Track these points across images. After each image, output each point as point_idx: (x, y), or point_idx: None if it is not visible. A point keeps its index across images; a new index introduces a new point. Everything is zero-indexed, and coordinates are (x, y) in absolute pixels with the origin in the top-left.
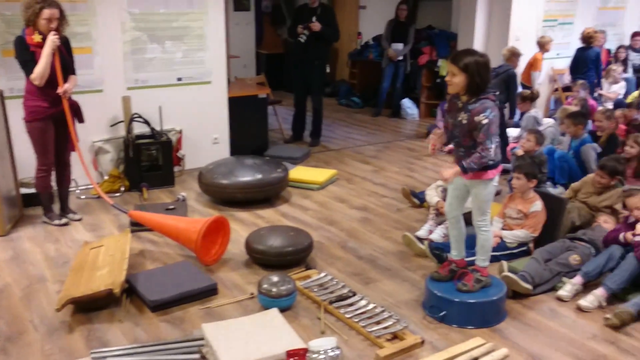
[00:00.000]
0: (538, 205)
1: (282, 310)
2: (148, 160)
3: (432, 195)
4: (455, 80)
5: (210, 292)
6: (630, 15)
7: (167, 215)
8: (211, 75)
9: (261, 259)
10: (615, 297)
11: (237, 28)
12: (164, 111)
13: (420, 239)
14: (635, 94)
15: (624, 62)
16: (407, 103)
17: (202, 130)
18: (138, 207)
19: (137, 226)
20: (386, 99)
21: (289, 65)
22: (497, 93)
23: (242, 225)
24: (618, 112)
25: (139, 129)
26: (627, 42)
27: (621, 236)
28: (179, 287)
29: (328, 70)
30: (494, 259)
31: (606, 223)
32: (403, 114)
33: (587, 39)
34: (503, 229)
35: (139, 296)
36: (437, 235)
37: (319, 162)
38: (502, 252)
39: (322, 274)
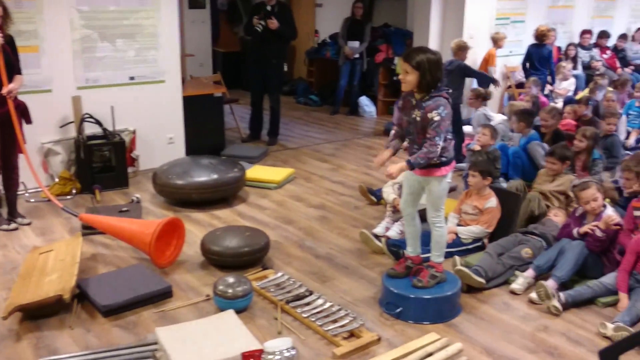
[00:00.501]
0: (493, 201)
1: (239, 311)
2: (100, 162)
3: (389, 193)
4: (408, 78)
5: (164, 295)
6: (579, 13)
7: (120, 218)
8: (165, 74)
9: (217, 260)
10: (565, 287)
11: (192, 26)
12: (116, 111)
13: (378, 236)
14: (586, 90)
15: (574, 59)
16: (364, 101)
17: (157, 130)
18: (90, 209)
19: (88, 229)
20: (344, 97)
21: (247, 64)
22: (450, 91)
23: (198, 226)
24: (568, 108)
25: (90, 129)
26: (576, 39)
27: (574, 231)
28: (132, 291)
29: (286, 68)
30: (448, 255)
31: (556, 217)
32: (361, 111)
33: (541, 36)
34: (459, 224)
35: (91, 301)
36: (393, 232)
37: (276, 161)
38: (457, 248)
39: (279, 274)
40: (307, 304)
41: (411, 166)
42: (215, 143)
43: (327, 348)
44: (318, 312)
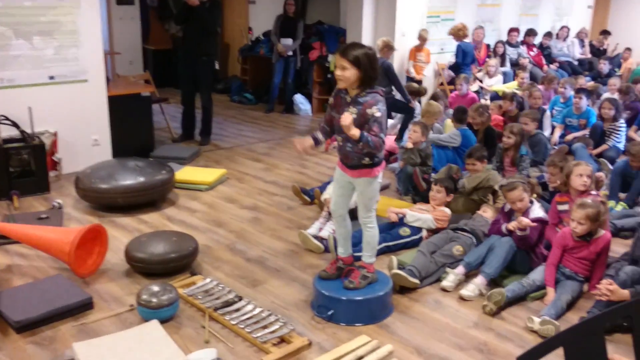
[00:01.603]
0: (447, 210)
1: (164, 321)
2: (19, 166)
3: (329, 192)
4: (347, 74)
5: (84, 306)
6: (506, 11)
7: (37, 226)
8: (87, 73)
9: (142, 267)
10: (495, 283)
11: (120, 23)
12: (35, 112)
13: (317, 237)
14: (511, 85)
15: (502, 56)
16: (299, 99)
17: (80, 132)
18: (7, 217)
19: (3, 239)
20: (278, 95)
21: (178, 62)
22: (385, 89)
23: (124, 232)
24: (493, 105)
25: (6, 132)
26: (504, 37)
27: (503, 227)
28: (48, 304)
29: (217, 66)
30: (386, 250)
31: (485, 212)
32: (296, 109)
33: (454, 34)
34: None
35: (2, 317)
36: (326, 232)
37: (209, 162)
38: (395, 241)
39: (208, 280)
40: (237, 310)
41: (360, 138)
42: (143, 144)
43: (257, 355)
44: (247, 319)
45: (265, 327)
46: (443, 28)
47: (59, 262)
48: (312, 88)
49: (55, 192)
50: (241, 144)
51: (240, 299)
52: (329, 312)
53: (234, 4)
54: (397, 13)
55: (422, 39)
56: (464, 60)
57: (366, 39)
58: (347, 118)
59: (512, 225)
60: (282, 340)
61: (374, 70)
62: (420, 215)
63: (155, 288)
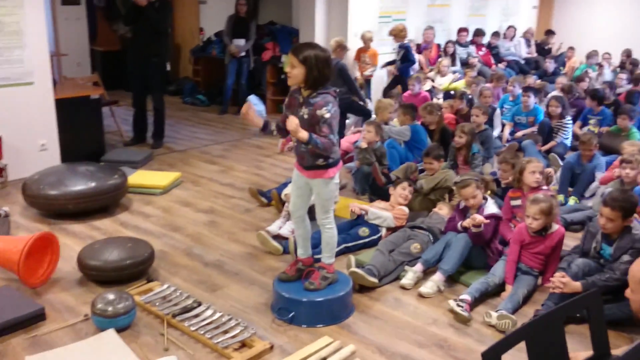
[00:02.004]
0: (406, 208)
1: (121, 330)
2: None
3: (288, 191)
4: (295, 72)
5: (36, 318)
6: (455, 12)
7: None
8: (33, 75)
9: (96, 275)
10: (452, 279)
11: (66, 23)
12: None
13: (276, 237)
14: (459, 85)
15: (452, 56)
16: (253, 100)
17: (26, 137)
18: None
19: None
20: (232, 96)
21: (127, 63)
22: (338, 90)
23: (75, 240)
24: (445, 103)
25: None
26: (454, 37)
27: (459, 225)
28: None
29: (169, 67)
30: (346, 250)
31: (441, 210)
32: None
33: (394, 35)
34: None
35: None
36: (286, 230)
37: (162, 165)
38: (355, 242)
39: (165, 286)
40: (196, 316)
41: (309, 140)
42: (94, 148)
43: None
44: (207, 324)
45: (225, 332)
46: None
47: (7, 273)
48: (265, 89)
49: (1, 199)
50: (195, 146)
51: (199, 304)
52: (290, 315)
53: (184, 4)
54: (349, 13)
55: (365, 40)
56: (405, 61)
57: (319, 39)
58: (292, 123)
59: (466, 222)
60: (244, 344)
61: (322, 71)
62: (381, 213)
63: (111, 296)
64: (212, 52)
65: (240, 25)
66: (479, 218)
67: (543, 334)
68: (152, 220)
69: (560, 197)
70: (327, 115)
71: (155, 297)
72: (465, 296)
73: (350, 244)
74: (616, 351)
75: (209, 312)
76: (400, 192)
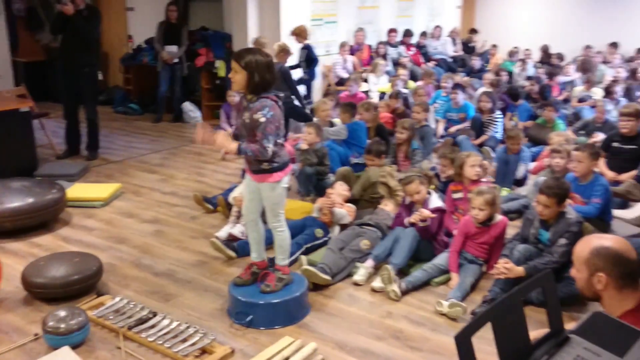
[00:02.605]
0: (352, 205)
1: (75, 346)
2: None
3: (237, 192)
4: (237, 77)
5: None
6: (384, 13)
7: None
8: None
9: (43, 293)
10: (403, 273)
11: None
12: None
13: (229, 244)
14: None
15: (384, 56)
16: (188, 106)
17: None
18: None
19: None
20: (166, 104)
21: (56, 74)
22: (281, 94)
23: (16, 258)
24: (382, 103)
25: None
26: (384, 38)
27: (405, 221)
28: None
29: (101, 77)
30: (306, 251)
31: (386, 206)
32: (186, 118)
33: (296, 36)
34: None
35: None
36: (237, 231)
37: (100, 177)
38: (312, 242)
39: (117, 299)
40: (152, 326)
41: (239, 150)
42: (26, 163)
43: None
44: (165, 334)
45: (184, 340)
46: (327, 31)
47: None
48: (201, 95)
49: None
50: (132, 156)
51: (155, 314)
52: (248, 318)
53: (110, 12)
54: (281, 17)
55: (258, 45)
56: (309, 64)
57: (252, 44)
58: (218, 137)
59: (413, 218)
60: (204, 351)
61: (263, 76)
62: (342, 211)
63: (62, 313)
64: (143, 60)
65: (172, 32)
66: (425, 212)
67: (506, 314)
68: (96, 233)
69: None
70: (262, 120)
71: (107, 311)
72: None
73: (309, 245)
74: (567, 326)
75: (165, 322)
76: (341, 192)
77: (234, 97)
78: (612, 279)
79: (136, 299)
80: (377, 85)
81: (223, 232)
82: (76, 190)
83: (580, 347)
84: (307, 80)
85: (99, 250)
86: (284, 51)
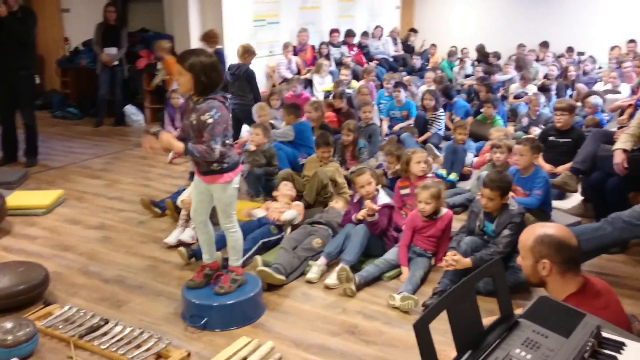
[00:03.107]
0: (301, 203)
1: (24, 358)
2: None
3: (185, 195)
4: (183, 80)
5: None
6: (325, 13)
7: None
8: None
9: None
10: (355, 269)
11: None
12: None
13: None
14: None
15: (327, 56)
16: (130, 110)
17: None
18: None
19: None
20: (107, 107)
21: None
22: (229, 96)
23: None
24: (326, 102)
25: None
26: (326, 38)
27: (353, 217)
28: None
29: (38, 80)
30: (262, 246)
31: (337, 204)
32: (128, 121)
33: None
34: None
35: None
36: (186, 236)
37: (40, 184)
38: (268, 238)
39: (66, 307)
40: (105, 333)
41: (185, 151)
42: None
43: None
44: (118, 341)
45: (139, 346)
46: (270, 31)
47: None
48: (143, 98)
49: None
50: (73, 161)
51: (107, 321)
52: (203, 321)
53: (45, 14)
54: (223, 18)
55: (159, 49)
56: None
57: (195, 46)
58: (164, 138)
59: (361, 214)
60: (160, 356)
61: (209, 77)
62: (292, 212)
63: (9, 324)
64: (82, 62)
65: (111, 33)
66: (372, 205)
67: (460, 301)
68: (39, 242)
69: (443, 171)
70: (210, 121)
71: (56, 321)
72: (358, 278)
73: (266, 239)
74: (516, 311)
75: (118, 328)
76: (286, 192)
77: (177, 99)
78: (555, 265)
79: (86, 307)
80: (322, 85)
81: (172, 238)
82: (16, 198)
83: (529, 330)
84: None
85: (43, 258)
86: (248, 52)
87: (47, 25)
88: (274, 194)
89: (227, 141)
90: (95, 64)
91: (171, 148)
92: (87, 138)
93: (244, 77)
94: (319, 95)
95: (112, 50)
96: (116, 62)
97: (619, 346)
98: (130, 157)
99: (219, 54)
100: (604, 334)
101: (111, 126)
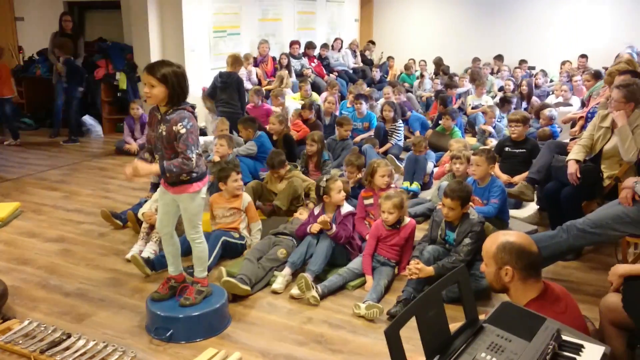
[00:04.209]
0: (247, 197)
1: None
2: None
3: (146, 207)
4: (155, 91)
5: None
6: (286, 25)
7: None
8: None
9: None
10: (319, 279)
11: None
12: None
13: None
14: (296, 97)
15: (287, 67)
16: (88, 120)
17: None
18: None
19: None
20: (63, 118)
21: None
22: (194, 105)
23: None
24: (294, 112)
25: None
26: (287, 50)
27: (308, 228)
28: None
29: None
30: (226, 244)
31: (301, 215)
32: (85, 132)
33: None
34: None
35: None
36: (147, 252)
37: None
38: (233, 239)
39: (26, 322)
40: (67, 348)
41: (162, 170)
42: None
43: None
44: (81, 355)
45: (103, 359)
46: (230, 42)
47: None
48: (101, 108)
49: None
50: (29, 173)
51: (69, 335)
52: (168, 333)
53: None
54: (184, 28)
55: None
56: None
57: (155, 56)
58: (138, 169)
59: (314, 228)
60: None
61: (182, 87)
62: (256, 226)
63: None
64: (37, 72)
65: None
66: (324, 219)
67: (428, 308)
68: None
69: (406, 184)
70: (183, 131)
71: (16, 336)
72: (322, 287)
73: (229, 239)
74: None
75: (81, 342)
76: (234, 185)
77: (137, 110)
78: (517, 271)
79: (46, 321)
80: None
81: (133, 253)
82: None
83: (493, 334)
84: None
85: (0, 272)
86: (238, 62)
87: (1, 34)
88: (222, 185)
89: (197, 151)
90: (51, 73)
91: (151, 173)
92: (43, 149)
93: (235, 86)
94: (293, 107)
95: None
96: None
97: (577, 348)
98: (88, 169)
99: (70, 64)
100: (564, 337)
101: (67, 137)
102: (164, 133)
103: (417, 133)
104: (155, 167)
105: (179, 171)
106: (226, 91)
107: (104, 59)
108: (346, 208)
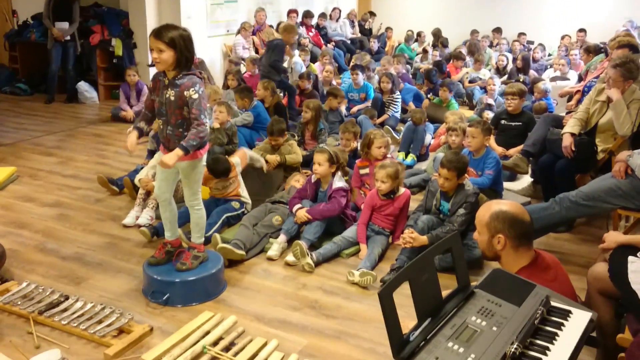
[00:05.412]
0: (237, 160)
1: None
2: None
3: (143, 173)
4: (164, 56)
5: None
6: None
7: None
8: None
9: None
10: (314, 247)
11: None
12: None
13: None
14: None
15: None
16: (84, 86)
17: None
18: None
19: None
20: (59, 83)
21: None
22: (202, 72)
23: None
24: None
25: None
26: (284, 18)
27: (294, 208)
28: None
29: None
30: (227, 220)
31: (298, 182)
32: (81, 98)
33: None
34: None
35: None
36: (144, 219)
37: None
38: (233, 212)
39: (24, 284)
40: (65, 309)
41: (186, 150)
42: None
43: (97, 351)
44: (79, 316)
45: (100, 321)
46: (227, 10)
47: None
48: (96, 74)
49: None
50: (25, 138)
51: (67, 297)
52: (165, 296)
53: None
54: None
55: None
56: None
57: (151, 23)
58: (165, 162)
59: (297, 219)
60: (122, 331)
61: (191, 51)
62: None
63: None
64: (31, 37)
65: (62, 7)
66: (302, 214)
67: (421, 273)
68: None
69: (402, 155)
70: (196, 96)
71: (14, 297)
72: (316, 255)
73: (230, 214)
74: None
75: (79, 304)
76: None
77: (133, 76)
78: (509, 240)
79: (44, 283)
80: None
81: (130, 219)
82: None
83: (484, 299)
84: None
85: None
86: (287, 29)
87: None
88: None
89: (206, 118)
90: (46, 38)
91: (177, 160)
92: (38, 115)
93: (273, 50)
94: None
95: (64, 25)
96: (68, 37)
97: (565, 314)
98: (84, 135)
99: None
100: (553, 303)
101: (63, 103)
102: (172, 98)
103: (411, 104)
104: (177, 151)
105: (199, 142)
106: (266, 55)
107: (99, 25)
108: (337, 183)
